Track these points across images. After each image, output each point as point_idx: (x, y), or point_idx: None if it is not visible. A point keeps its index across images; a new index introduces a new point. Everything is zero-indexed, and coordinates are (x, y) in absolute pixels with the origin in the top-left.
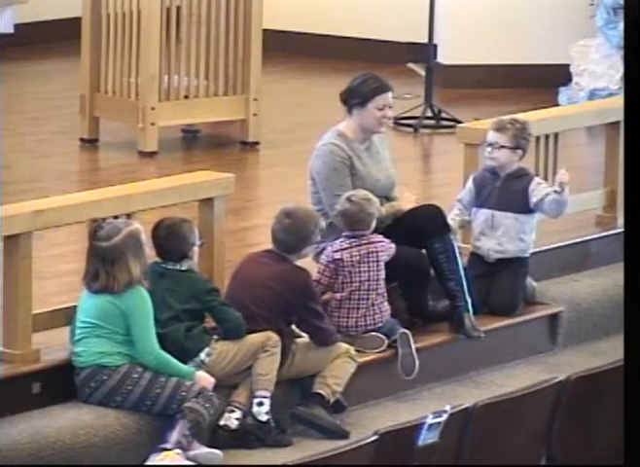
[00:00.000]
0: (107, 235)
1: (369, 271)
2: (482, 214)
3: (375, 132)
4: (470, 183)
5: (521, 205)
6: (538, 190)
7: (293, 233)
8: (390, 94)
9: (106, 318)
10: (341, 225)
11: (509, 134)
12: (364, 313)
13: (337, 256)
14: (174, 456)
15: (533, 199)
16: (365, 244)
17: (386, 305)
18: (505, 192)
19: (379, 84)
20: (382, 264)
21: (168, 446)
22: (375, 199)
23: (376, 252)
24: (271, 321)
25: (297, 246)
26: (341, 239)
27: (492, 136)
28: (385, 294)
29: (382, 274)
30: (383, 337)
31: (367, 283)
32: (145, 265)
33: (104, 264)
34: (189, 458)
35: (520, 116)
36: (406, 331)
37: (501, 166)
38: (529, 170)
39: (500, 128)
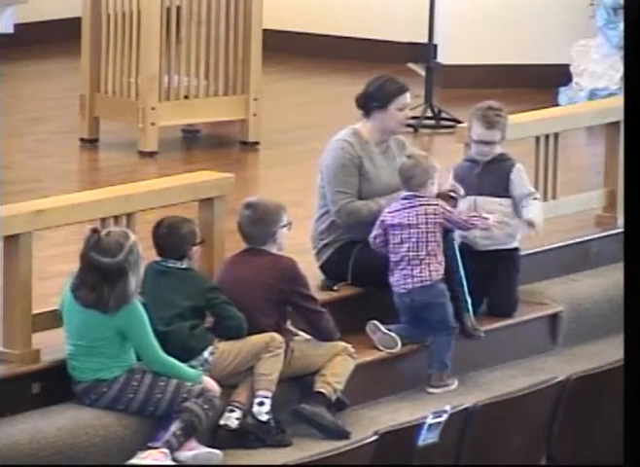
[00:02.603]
0: (110, 251)
1: (418, 233)
2: (465, 202)
3: (395, 133)
4: (451, 177)
5: (503, 190)
6: (519, 180)
7: (258, 222)
8: (408, 94)
9: (99, 339)
10: (400, 184)
11: (500, 128)
12: (411, 272)
13: (388, 220)
14: (157, 455)
15: (514, 191)
16: (418, 206)
17: (435, 267)
18: (485, 176)
19: (398, 85)
20: (435, 226)
21: (156, 444)
22: (433, 162)
23: (426, 214)
24: (268, 313)
25: (267, 234)
26: (398, 202)
27: (486, 135)
28: (438, 255)
29: (434, 236)
30: (398, 339)
31: (417, 244)
32: (140, 277)
33: (105, 281)
34: (175, 459)
35: (520, 115)
36: (373, 321)
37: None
38: (510, 156)
39: (491, 126)
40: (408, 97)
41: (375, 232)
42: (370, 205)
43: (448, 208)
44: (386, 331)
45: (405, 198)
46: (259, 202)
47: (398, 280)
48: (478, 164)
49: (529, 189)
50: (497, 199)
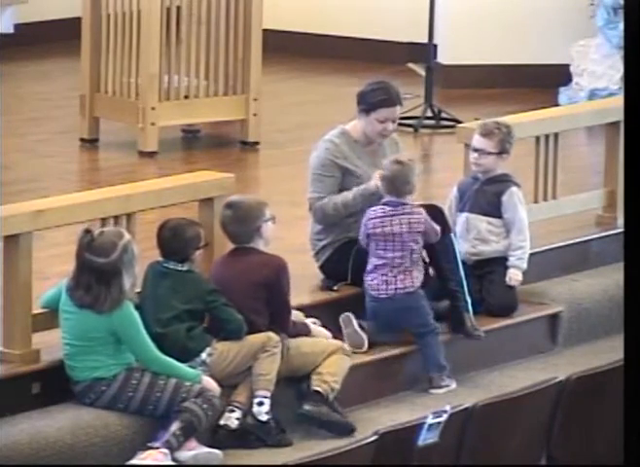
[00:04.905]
0: (104, 251)
1: (402, 242)
2: (461, 218)
3: (374, 141)
4: (454, 190)
5: (495, 209)
6: (510, 204)
7: (241, 221)
8: (397, 109)
9: (94, 339)
10: (382, 190)
11: (495, 140)
12: (395, 279)
13: (370, 227)
14: (157, 455)
15: (505, 213)
16: (401, 214)
17: (417, 274)
18: (480, 195)
19: (387, 96)
20: (419, 234)
21: (156, 444)
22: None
23: (410, 223)
24: (261, 312)
25: (252, 231)
26: (380, 208)
27: (479, 142)
28: (419, 262)
29: (417, 245)
30: (365, 337)
31: (402, 253)
32: (135, 276)
33: (99, 281)
34: (175, 459)
35: (520, 115)
36: (347, 314)
37: (485, 171)
38: (511, 178)
39: (487, 134)
40: (393, 112)
41: (360, 236)
42: (334, 200)
43: (429, 218)
44: (358, 329)
45: (387, 204)
46: (239, 201)
47: (378, 284)
48: (478, 181)
49: (520, 223)
50: (487, 218)
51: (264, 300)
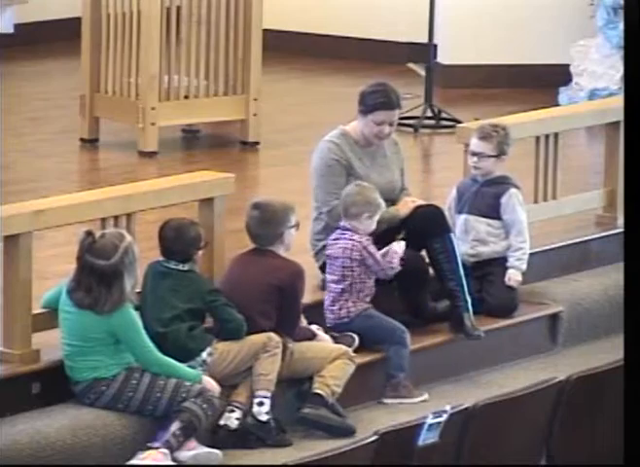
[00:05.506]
0: (105, 253)
1: (340, 267)
2: (459, 219)
3: (370, 143)
4: (454, 191)
5: (493, 211)
6: (509, 206)
7: (266, 223)
8: (395, 112)
9: (93, 340)
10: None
11: (494, 143)
12: (332, 307)
13: (327, 250)
14: (157, 455)
15: (504, 215)
16: (343, 239)
17: (354, 302)
18: (479, 196)
19: (385, 99)
20: (353, 262)
21: (156, 444)
22: (379, 198)
23: (344, 249)
24: (268, 314)
25: (274, 235)
26: (336, 231)
27: (477, 146)
28: (364, 290)
29: (351, 271)
30: (355, 335)
31: (337, 278)
32: (136, 278)
33: (100, 283)
34: (175, 459)
35: (520, 115)
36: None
37: (484, 174)
38: (510, 180)
39: (485, 137)
40: (390, 115)
41: None
42: None
43: (370, 249)
44: (338, 334)
45: (338, 228)
46: (266, 203)
47: (325, 311)
48: (477, 183)
49: (519, 224)
50: (486, 220)
51: (274, 303)
